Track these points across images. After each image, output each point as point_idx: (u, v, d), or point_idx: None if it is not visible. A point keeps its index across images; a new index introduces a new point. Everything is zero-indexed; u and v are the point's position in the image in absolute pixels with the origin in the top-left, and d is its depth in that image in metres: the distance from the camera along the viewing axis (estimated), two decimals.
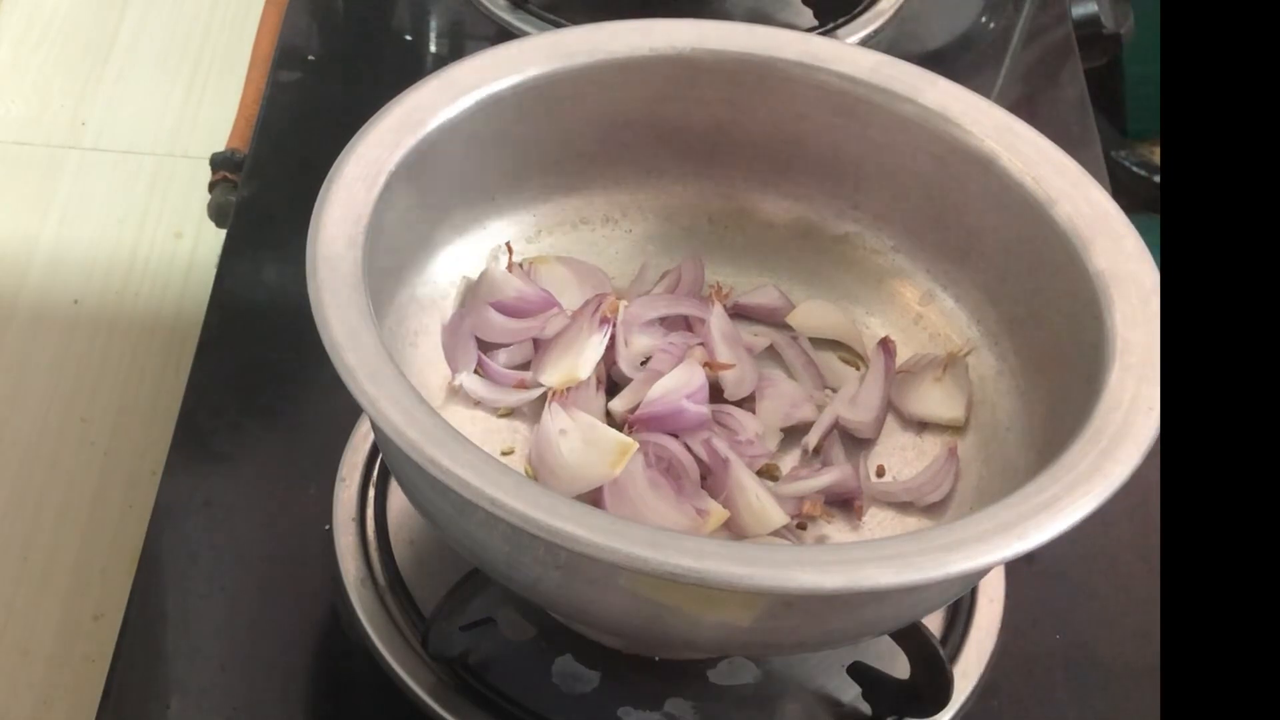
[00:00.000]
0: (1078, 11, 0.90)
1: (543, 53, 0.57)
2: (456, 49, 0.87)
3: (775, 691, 0.57)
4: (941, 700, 0.55)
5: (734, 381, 0.58)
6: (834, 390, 0.60)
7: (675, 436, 0.55)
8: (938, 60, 0.59)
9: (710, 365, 0.58)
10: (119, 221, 1.39)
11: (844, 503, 0.56)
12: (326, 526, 0.60)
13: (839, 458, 0.57)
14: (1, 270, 1.34)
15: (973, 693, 0.57)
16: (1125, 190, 0.81)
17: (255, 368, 0.67)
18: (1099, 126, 0.83)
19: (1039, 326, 0.55)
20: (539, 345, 0.59)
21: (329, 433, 0.63)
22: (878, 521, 0.56)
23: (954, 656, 0.58)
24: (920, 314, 0.61)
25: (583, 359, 0.57)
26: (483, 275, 0.59)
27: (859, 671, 0.56)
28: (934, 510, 0.55)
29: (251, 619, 0.58)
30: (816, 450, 0.58)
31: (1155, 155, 1.16)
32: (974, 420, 0.58)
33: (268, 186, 0.75)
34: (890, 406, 0.59)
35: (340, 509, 0.60)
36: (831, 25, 0.86)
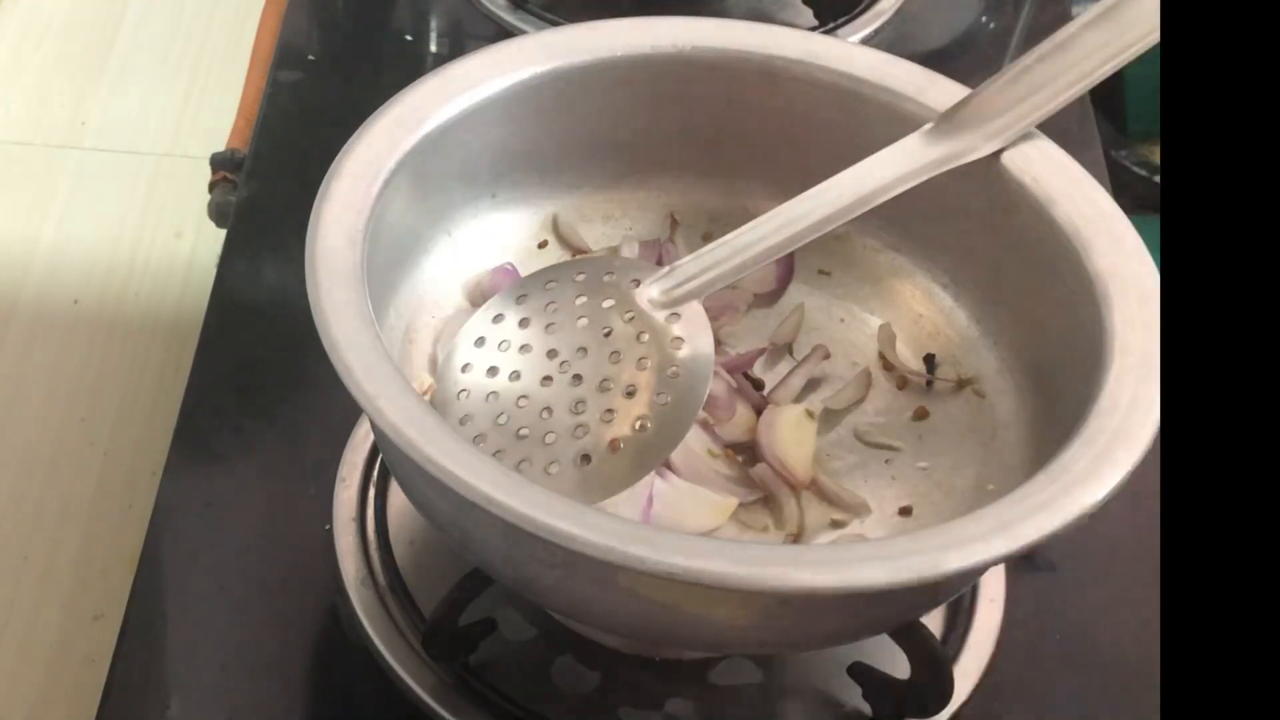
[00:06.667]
0: (1078, 11, 0.90)
1: (542, 51, 0.57)
2: (456, 49, 0.87)
3: (775, 691, 0.57)
4: (942, 700, 0.54)
5: None
6: None
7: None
8: (938, 60, 0.59)
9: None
10: (119, 221, 1.39)
11: None
12: (326, 526, 0.60)
13: None
14: (1, 270, 1.34)
15: (973, 693, 0.57)
16: (1125, 190, 0.81)
17: (255, 368, 0.67)
18: (1099, 126, 0.83)
19: (1039, 326, 0.55)
20: None
21: (329, 433, 0.63)
22: None
23: (954, 656, 0.58)
24: (920, 314, 0.61)
25: None
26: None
27: (859, 671, 0.56)
28: None
29: (251, 619, 0.58)
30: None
31: (1155, 155, 1.15)
32: (974, 419, 0.58)
33: (268, 186, 0.75)
34: None
35: (340, 509, 0.60)
36: (832, 25, 0.86)
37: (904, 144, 0.55)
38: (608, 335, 0.53)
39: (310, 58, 0.84)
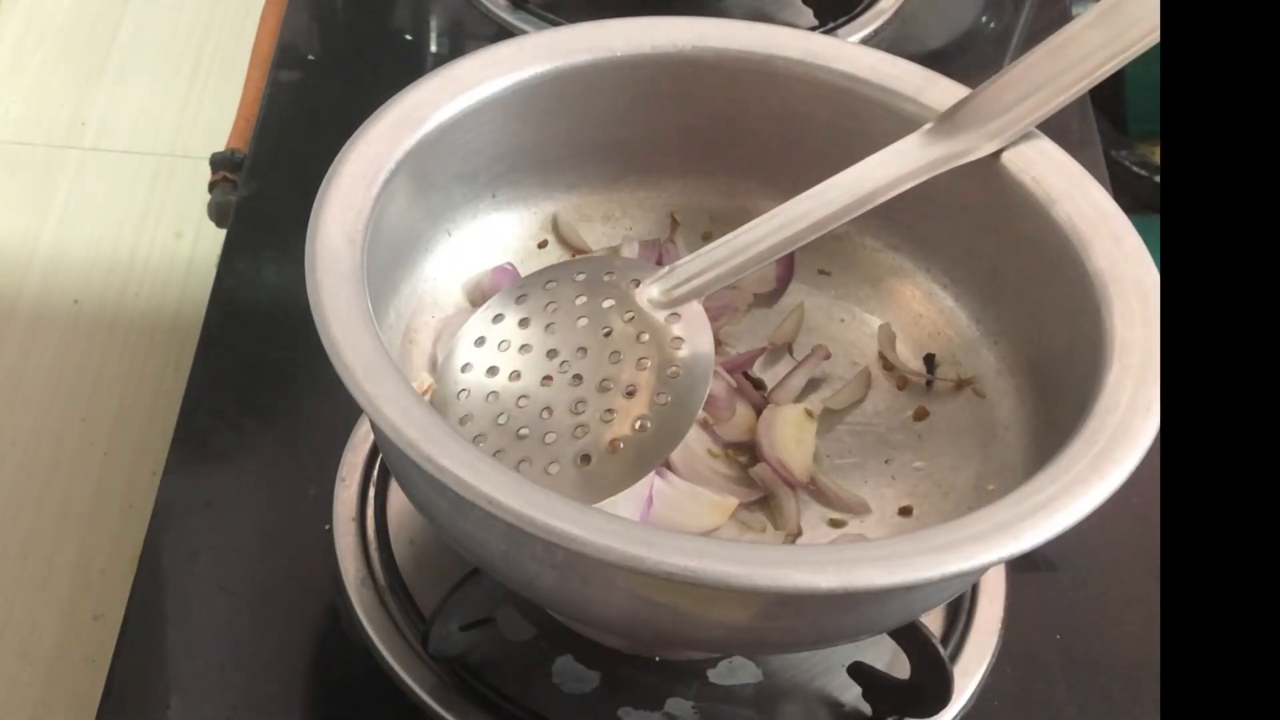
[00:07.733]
0: (1078, 11, 0.90)
1: (543, 51, 0.57)
2: (456, 49, 0.87)
3: (775, 691, 0.57)
4: (942, 700, 0.54)
5: None
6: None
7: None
8: (938, 60, 0.59)
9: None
10: (119, 221, 1.39)
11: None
12: (326, 526, 0.60)
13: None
14: (1, 270, 1.34)
15: (973, 693, 0.57)
16: (1125, 190, 0.81)
17: (255, 368, 0.67)
18: (1099, 126, 0.83)
19: (1039, 326, 0.55)
20: None
21: (329, 433, 0.63)
22: None
23: (954, 656, 0.58)
24: (920, 314, 0.61)
25: None
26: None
27: (859, 671, 0.56)
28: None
29: (251, 619, 0.58)
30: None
31: (1155, 155, 1.16)
32: (974, 419, 0.58)
33: (268, 186, 0.75)
34: None
35: (340, 509, 0.60)
36: (831, 25, 0.86)
37: (904, 144, 0.55)
38: (608, 335, 0.53)
39: (310, 58, 0.84)
